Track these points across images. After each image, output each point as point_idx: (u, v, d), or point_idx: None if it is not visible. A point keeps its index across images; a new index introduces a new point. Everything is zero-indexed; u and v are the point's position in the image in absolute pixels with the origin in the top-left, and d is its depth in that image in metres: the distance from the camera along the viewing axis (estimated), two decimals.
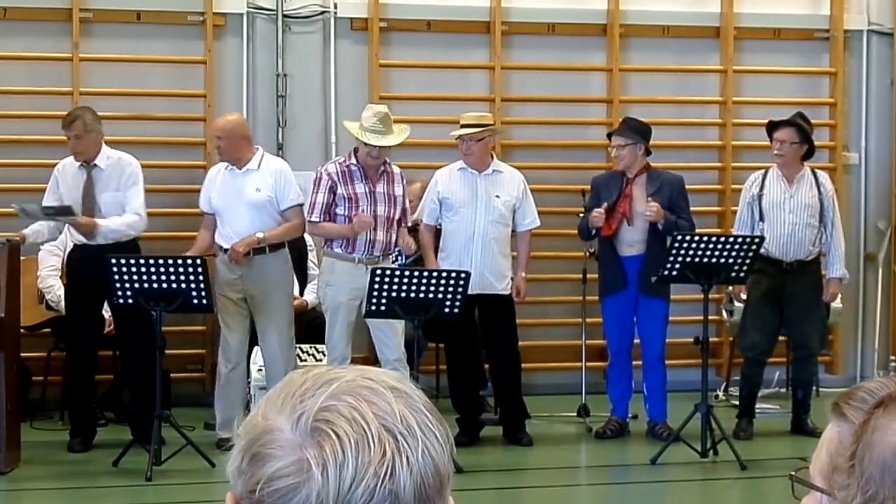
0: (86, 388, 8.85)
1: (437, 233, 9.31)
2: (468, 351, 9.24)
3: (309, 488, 1.37)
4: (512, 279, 9.18)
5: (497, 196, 9.12)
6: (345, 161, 8.87)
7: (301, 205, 8.90)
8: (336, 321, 8.75)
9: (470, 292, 8.77)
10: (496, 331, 9.16)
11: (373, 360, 9.18)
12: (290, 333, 8.93)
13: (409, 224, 9.12)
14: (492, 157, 9.26)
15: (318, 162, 10.57)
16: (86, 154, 8.70)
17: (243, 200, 8.79)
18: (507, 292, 9.16)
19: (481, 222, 9.07)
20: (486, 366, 9.55)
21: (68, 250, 9.00)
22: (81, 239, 8.69)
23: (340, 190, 8.76)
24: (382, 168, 8.85)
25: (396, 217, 8.88)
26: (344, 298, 8.72)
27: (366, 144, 8.69)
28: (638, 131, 9.23)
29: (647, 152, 9.25)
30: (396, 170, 8.97)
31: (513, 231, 9.26)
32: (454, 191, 9.10)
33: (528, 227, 9.30)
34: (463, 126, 9.17)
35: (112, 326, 9.07)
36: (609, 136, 9.53)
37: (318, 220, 8.78)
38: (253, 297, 8.82)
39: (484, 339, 9.27)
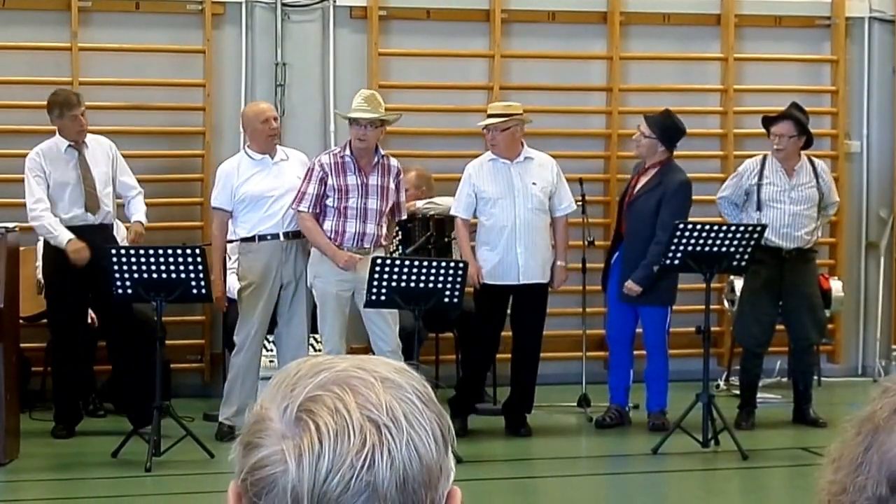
0: (72, 373, 8.81)
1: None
2: (493, 342, 9.13)
3: (286, 479, 1.36)
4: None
5: (534, 183, 9.03)
6: (339, 152, 8.85)
7: None
8: (327, 313, 8.73)
9: (515, 283, 8.79)
10: (528, 318, 9.04)
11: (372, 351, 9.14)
12: None
13: (404, 217, 9.10)
14: (522, 144, 9.17)
15: (316, 151, 10.52)
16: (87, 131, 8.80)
17: (293, 187, 8.81)
18: (547, 280, 9.10)
19: (521, 212, 8.96)
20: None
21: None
22: (88, 219, 8.69)
23: (331, 181, 8.72)
24: (377, 160, 8.80)
25: (388, 210, 8.85)
26: (333, 289, 8.69)
27: (350, 123, 8.68)
28: (665, 130, 9.14)
29: (669, 150, 9.20)
30: (394, 163, 8.91)
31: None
32: (488, 183, 9.01)
33: (566, 213, 9.20)
34: (490, 116, 9.13)
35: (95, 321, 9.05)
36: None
37: (305, 210, 8.72)
38: (289, 283, 8.87)
39: (513, 325, 9.18)
